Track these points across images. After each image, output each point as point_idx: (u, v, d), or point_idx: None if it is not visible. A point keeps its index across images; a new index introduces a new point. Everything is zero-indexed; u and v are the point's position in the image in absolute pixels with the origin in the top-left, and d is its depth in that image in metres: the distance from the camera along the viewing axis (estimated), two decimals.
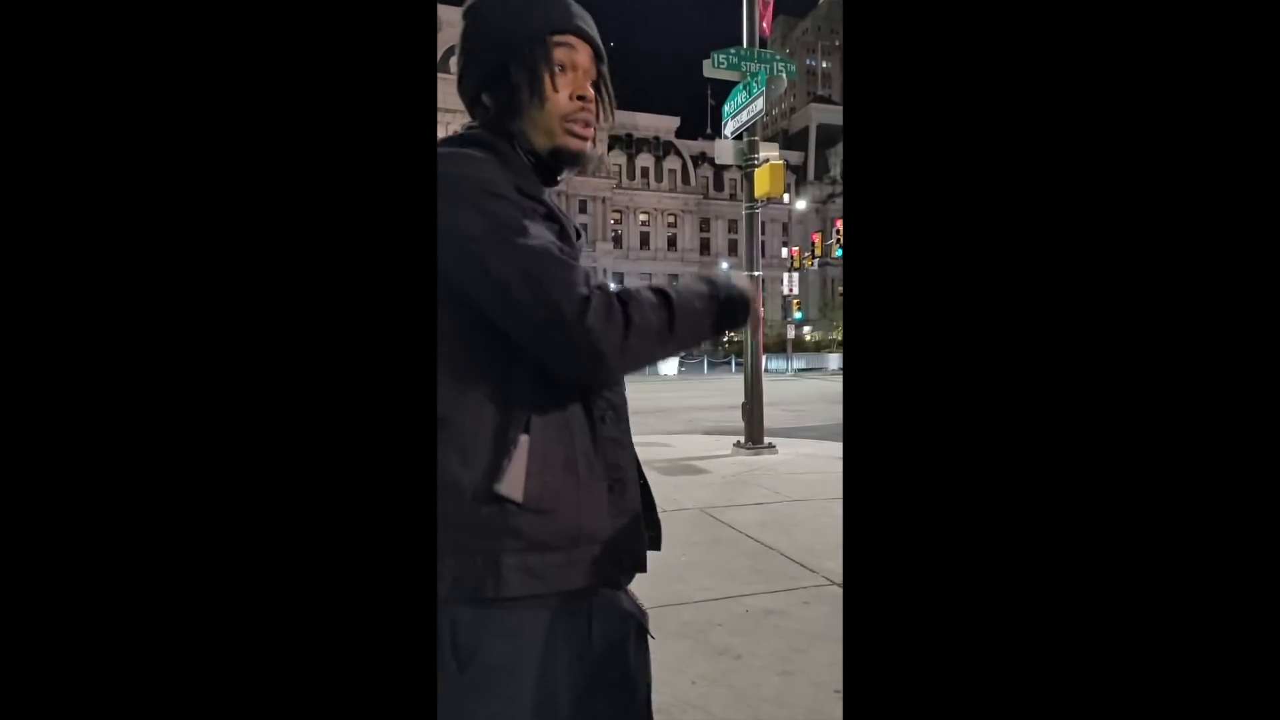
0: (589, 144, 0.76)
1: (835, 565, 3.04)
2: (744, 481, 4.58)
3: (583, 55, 0.74)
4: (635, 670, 0.79)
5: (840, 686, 1.95)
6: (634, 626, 0.79)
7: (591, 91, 0.75)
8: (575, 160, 0.76)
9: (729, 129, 6.63)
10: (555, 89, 0.72)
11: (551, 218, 0.72)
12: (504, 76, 0.73)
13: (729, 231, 50.76)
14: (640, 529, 0.77)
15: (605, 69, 0.77)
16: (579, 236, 0.78)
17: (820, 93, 72.52)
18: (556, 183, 0.79)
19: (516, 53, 0.72)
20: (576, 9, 0.75)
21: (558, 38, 0.72)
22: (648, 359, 0.70)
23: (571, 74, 0.74)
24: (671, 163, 50.31)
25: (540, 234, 0.67)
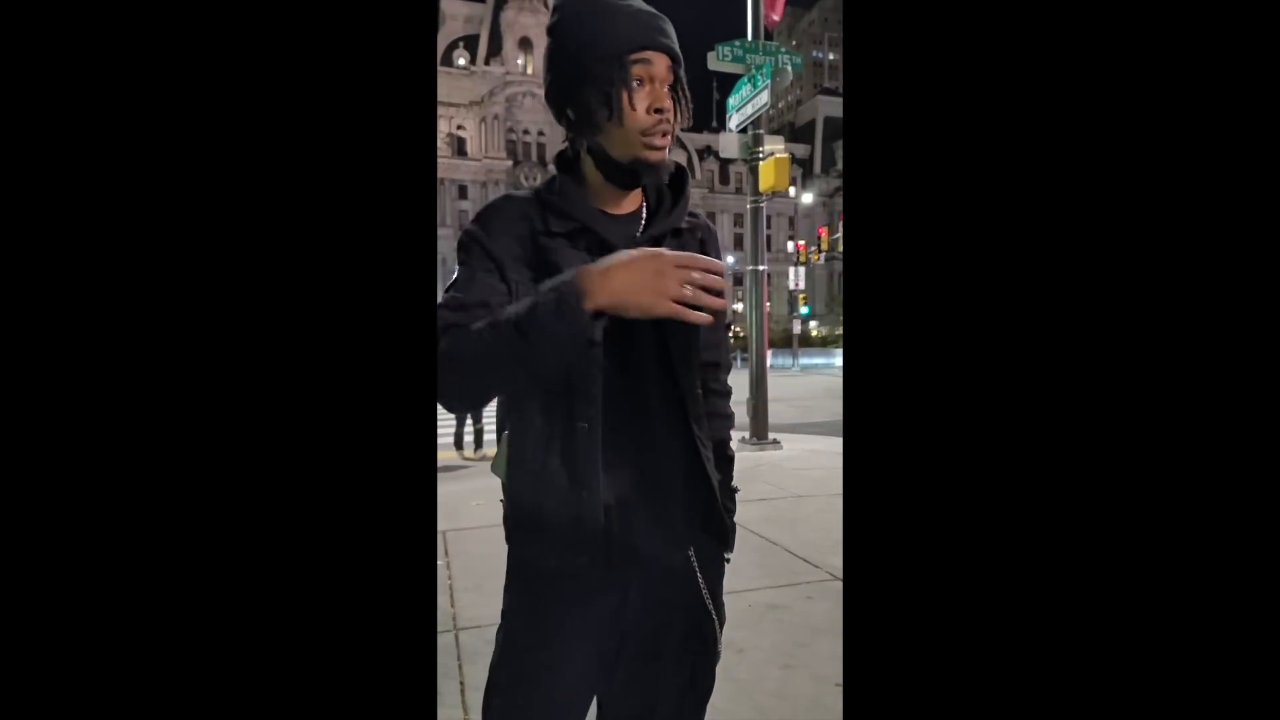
0: (665, 153, 0.78)
1: (839, 560, 3.04)
2: (749, 477, 4.58)
3: (660, 66, 0.75)
4: (653, 658, 0.82)
5: (841, 680, 1.96)
6: (680, 623, 0.83)
7: (669, 102, 0.75)
8: (653, 170, 0.77)
9: (734, 122, 6.60)
10: (633, 107, 0.74)
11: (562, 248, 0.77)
12: (582, 94, 0.75)
13: (735, 225, 50.56)
14: (632, 528, 0.78)
15: (682, 71, 0.77)
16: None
17: (827, 85, 71.96)
18: (637, 185, 0.81)
19: (593, 74, 0.73)
20: (653, 20, 0.75)
21: (635, 55, 0.73)
22: (481, 382, 0.72)
23: (649, 87, 0.74)
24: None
25: (459, 290, 0.75)
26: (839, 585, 2.76)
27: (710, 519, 0.84)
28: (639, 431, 0.78)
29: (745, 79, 6.41)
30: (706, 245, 0.87)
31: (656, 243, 0.80)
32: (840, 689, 1.92)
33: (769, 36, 6.87)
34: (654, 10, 0.77)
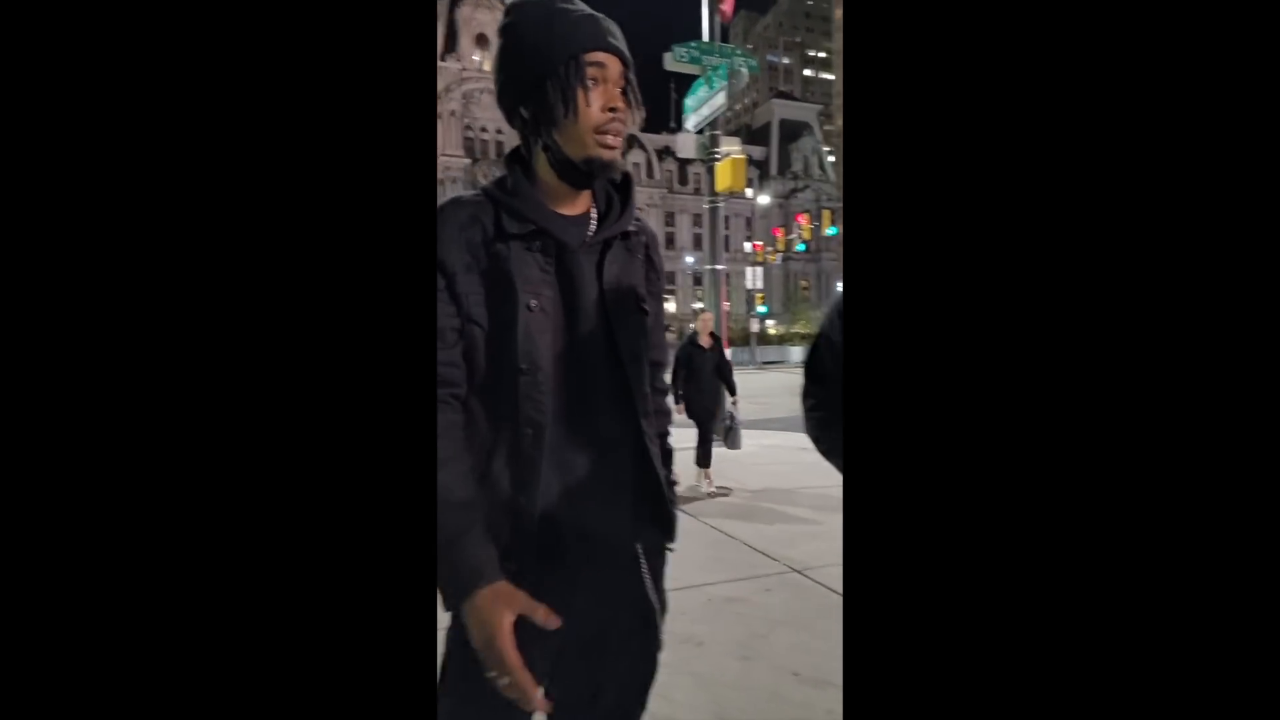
0: (619, 152, 0.81)
1: (796, 553, 3.10)
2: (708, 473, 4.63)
3: (613, 69, 0.78)
4: (598, 651, 0.82)
5: (798, 670, 2.00)
6: (626, 616, 0.83)
7: (622, 102, 0.79)
8: (606, 168, 0.80)
9: (691, 123, 6.66)
10: (588, 103, 0.77)
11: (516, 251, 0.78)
12: (539, 92, 0.77)
13: (694, 226, 50.97)
14: (583, 524, 0.78)
15: (633, 75, 0.81)
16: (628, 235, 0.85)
17: (782, 88, 73.17)
18: (590, 184, 0.84)
19: (552, 70, 0.76)
20: (606, 24, 0.80)
21: (590, 56, 0.77)
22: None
23: (603, 87, 0.78)
24: (635, 156, 50.24)
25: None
26: (796, 577, 2.82)
27: (658, 512, 0.86)
28: (592, 428, 0.79)
29: (702, 80, 6.48)
30: (650, 250, 0.90)
31: (607, 245, 0.83)
32: (798, 678, 1.96)
33: (725, 38, 6.95)
34: (603, 15, 0.80)
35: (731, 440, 4.70)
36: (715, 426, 4.53)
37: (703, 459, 4.43)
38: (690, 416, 4.41)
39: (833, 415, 1.07)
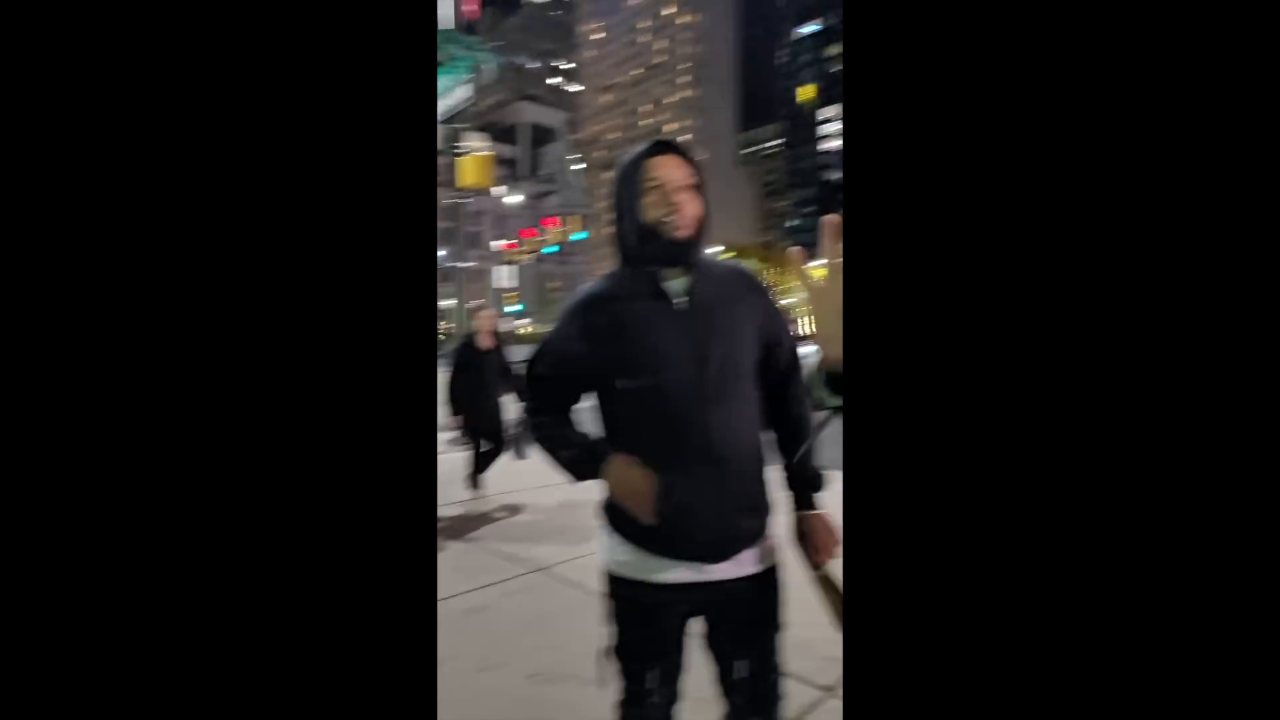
0: None
1: (540, 554, 3.14)
2: (452, 477, 4.44)
3: None
4: None
5: (538, 670, 2.02)
6: None
7: None
8: None
9: None
10: None
11: None
12: None
13: (443, 220, 48.66)
14: None
15: None
16: None
17: (530, 92, 74.04)
18: None
19: None
20: None
21: None
22: None
23: None
24: None
25: None
26: (539, 577, 2.85)
27: None
28: None
29: (443, 69, 6.21)
30: None
31: None
32: (535, 680, 1.98)
33: (471, 32, 6.78)
34: None
35: (520, 450, 4.07)
36: (502, 436, 3.99)
37: (476, 474, 4.02)
38: (471, 428, 3.94)
39: (546, 406, 1.13)
